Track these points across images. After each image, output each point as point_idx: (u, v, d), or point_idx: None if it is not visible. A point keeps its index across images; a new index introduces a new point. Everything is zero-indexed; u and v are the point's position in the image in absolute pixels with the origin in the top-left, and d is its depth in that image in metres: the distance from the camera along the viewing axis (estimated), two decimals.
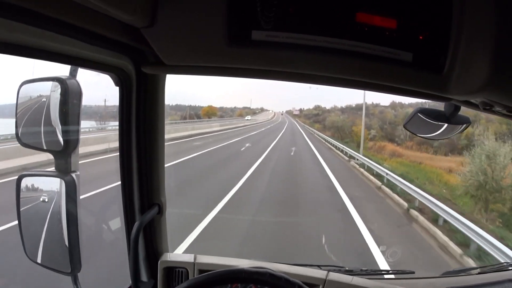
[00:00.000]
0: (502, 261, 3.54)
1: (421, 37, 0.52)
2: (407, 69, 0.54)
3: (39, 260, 0.90)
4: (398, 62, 0.53)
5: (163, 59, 0.59)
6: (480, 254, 4.59)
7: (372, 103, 39.27)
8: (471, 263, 4.47)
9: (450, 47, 0.50)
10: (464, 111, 0.81)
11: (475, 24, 0.48)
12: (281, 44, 0.53)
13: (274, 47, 0.53)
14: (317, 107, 56.81)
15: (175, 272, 1.18)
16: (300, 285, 0.74)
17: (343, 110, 45.41)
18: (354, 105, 43.62)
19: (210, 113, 47.81)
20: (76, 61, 0.69)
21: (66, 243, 0.85)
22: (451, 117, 0.78)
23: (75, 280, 0.89)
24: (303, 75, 0.62)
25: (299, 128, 42.52)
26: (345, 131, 32.62)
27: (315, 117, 52.13)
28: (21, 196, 0.87)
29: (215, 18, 0.52)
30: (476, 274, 1.46)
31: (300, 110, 65.66)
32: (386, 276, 1.41)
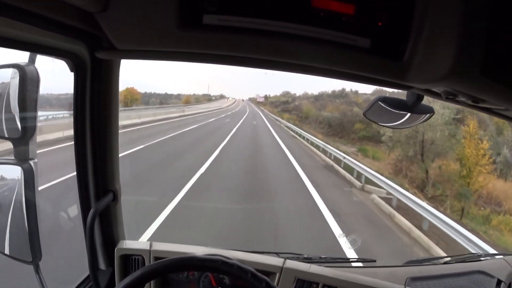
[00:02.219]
0: (473, 251, 3.56)
1: (380, 23, 0.51)
2: (364, 55, 0.52)
3: (5, 251, 0.89)
4: (356, 48, 0.52)
5: (116, 44, 0.58)
6: None
7: (351, 90, 33.36)
8: None
9: (411, 33, 0.49)
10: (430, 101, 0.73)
11: (439, 10, 0.47)
12: (234, 28, 0.52)
13: (226, 31, 0.52)
14: (286, 94, 49.33)
15: (131, 259, 1.18)
16: (252, 272, 0.73)
17: (317, 98, 38.54)
18: (330, 92, 37.06)
19: (128, 99, 32.26)
20: (30, 47, 0.68)
21: (27, 231, 0.84)
22: (414, 106, 0.77)
23: (37, 269, 0.89)
24: (256, 60, 0.61)
25: (269, 126, 25.19)
26: (444, 153, 13.25)
27: (284, 105, 44.14)
28: None
29: (166, 1, 0.51)
30: (442, 264, 1.45)
31: (265, 97, 57.45)
32: (345, 265, 1.40)
